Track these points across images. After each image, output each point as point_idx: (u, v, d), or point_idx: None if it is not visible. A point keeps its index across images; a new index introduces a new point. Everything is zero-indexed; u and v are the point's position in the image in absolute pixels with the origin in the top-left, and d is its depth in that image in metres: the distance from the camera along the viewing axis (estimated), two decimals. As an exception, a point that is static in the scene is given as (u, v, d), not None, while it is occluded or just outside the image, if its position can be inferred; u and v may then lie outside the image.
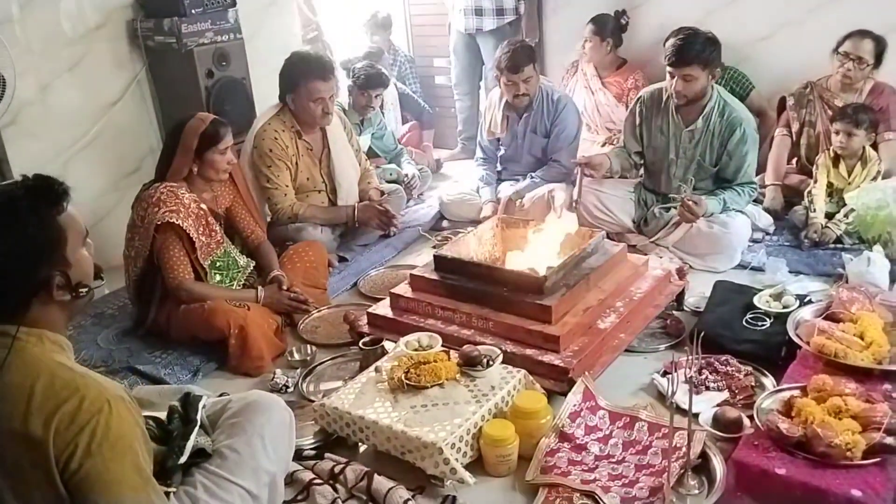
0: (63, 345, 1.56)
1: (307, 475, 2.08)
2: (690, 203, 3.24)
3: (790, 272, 3.12)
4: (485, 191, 4.11)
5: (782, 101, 3.98)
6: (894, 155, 3.58)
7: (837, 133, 3.47)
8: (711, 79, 3.32)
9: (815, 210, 3.48)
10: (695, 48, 3.22)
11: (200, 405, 1.83)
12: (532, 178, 3.97)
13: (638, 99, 3.64)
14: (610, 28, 4.46)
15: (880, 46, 3.59)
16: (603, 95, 4.55)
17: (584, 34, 4.50)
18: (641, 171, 3.71)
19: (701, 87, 3.30)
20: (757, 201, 3.67)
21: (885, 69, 3.68)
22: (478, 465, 2.13)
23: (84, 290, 1.57)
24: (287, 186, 3.55)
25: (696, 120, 3.39)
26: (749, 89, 4.21)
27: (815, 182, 3.56)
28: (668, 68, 3.31)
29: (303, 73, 3.45)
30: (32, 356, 1.48)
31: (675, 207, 3.36)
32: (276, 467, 1.82)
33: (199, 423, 1.77)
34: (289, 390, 2.62)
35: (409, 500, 1.98)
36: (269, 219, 3.61)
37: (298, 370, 2.74)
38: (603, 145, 4.39)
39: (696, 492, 1.96)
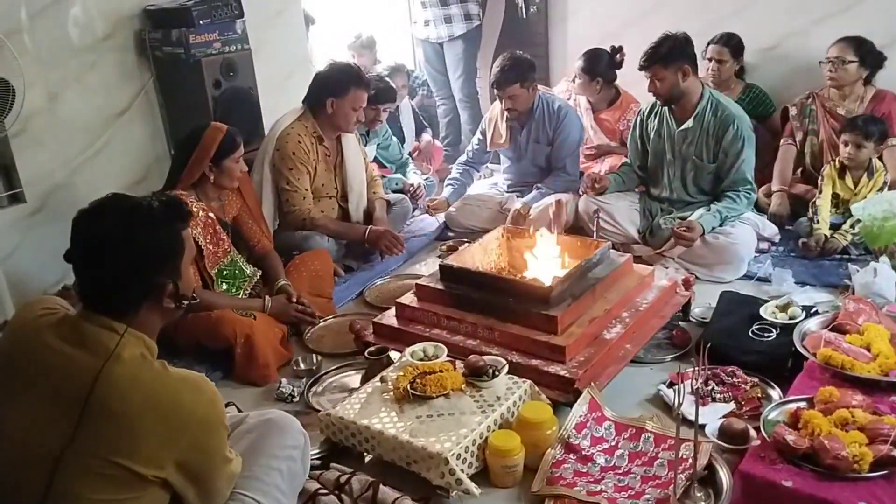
0: (154, 351, 1.66)
1: (313, 485, 2.08)
2: (681, 231, 3.28)
3: (796, 283, 3.13)
4: (447, 189, 4.20)
5: (784, 111, 4.00)
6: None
7: (846, 144, 3.47)
8: (682, 77, 3.36)
9: (818, 221, 3.48)
10: (654, 49, 3.35)
11: None
12: (538, 188, 3.98)
13: (638, 112, 3.74)
14: (602, 66, 4.19)
15: (864, 47, 3.61)
16: (594, 133, 4.37)
17: (574, 68, 4.30)
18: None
19: (669, 85, 3.37)
20: (761, 210, 3.68)
21: (888, 77, 3.67)
22: (483, 475, 2.13)
23: (186, 302, 1.69)
24: (306, 190, 3.55)
25: (689, 119, 3.44)
26: (771, 110, 4.17)
27: (820, 193, 3.56)
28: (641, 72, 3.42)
29: (353, 79, 3.51)
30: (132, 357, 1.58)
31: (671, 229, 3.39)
32: (290, 491, 1.84)
33: None
34: (294, 399, 2.63)
35: (414, 510, 1.98)
36: (274, 228, 3.62)
37: (304, 379, 2.74)
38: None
39: (703, 503, 1.95)
